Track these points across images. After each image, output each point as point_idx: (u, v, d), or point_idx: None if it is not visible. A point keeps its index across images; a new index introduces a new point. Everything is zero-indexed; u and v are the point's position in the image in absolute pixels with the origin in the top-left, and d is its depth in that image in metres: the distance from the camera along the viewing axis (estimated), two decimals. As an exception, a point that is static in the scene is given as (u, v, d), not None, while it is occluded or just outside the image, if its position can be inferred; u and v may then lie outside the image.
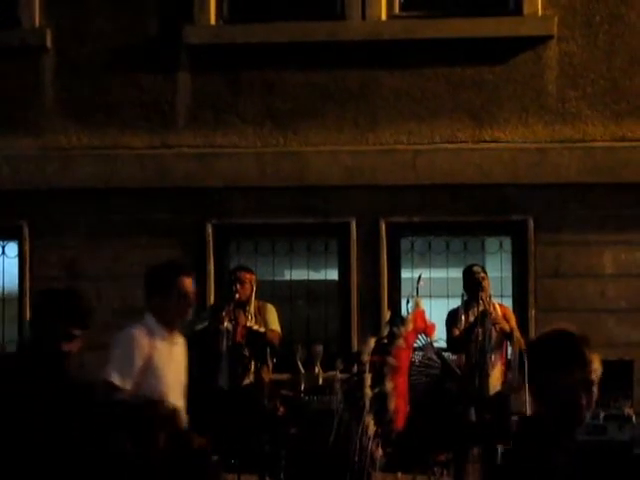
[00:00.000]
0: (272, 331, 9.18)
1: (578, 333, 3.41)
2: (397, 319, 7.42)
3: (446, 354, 8.92)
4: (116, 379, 5.63)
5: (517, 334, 9.18)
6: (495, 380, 9.11)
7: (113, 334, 10.34)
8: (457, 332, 9.25)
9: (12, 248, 10.72)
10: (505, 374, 9.17)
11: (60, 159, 10.45)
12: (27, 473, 3.16)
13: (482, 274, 9.23)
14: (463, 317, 9.30)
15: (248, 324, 9.07)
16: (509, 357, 9.26)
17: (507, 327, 9.13)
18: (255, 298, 9.22)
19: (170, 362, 5.88)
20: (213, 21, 10.53)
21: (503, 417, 8.96)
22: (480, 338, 9.01)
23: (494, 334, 9.07)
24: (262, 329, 9.09)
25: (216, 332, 9.03)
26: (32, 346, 4.18)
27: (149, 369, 5.72)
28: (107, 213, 10.42)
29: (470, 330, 9.10)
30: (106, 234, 10.42)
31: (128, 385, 5.62)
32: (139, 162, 10.40)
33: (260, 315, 9.21)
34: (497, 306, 9.32)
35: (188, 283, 5.96)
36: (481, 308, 9.03)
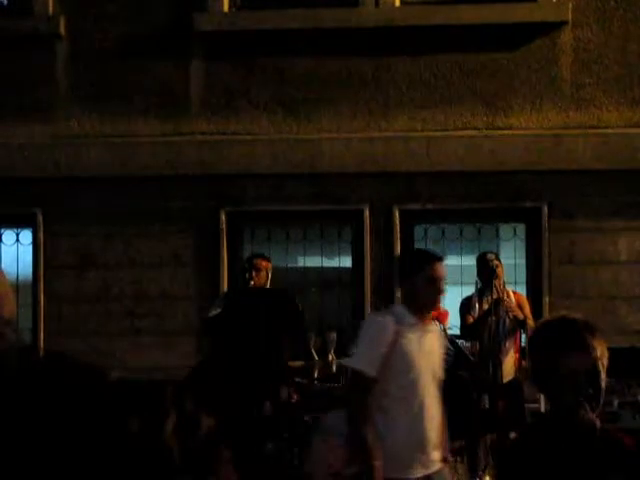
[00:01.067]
0: None
1: (582, 319, 3.30)
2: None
3: (459, 341, 8.93)
4: (362, 365, 5.53)
5: (531, 322, 9.16)
6: (508, 368, 9.09)
7: (126, 321, 10.43)
8: (471, 319, 9.24)
9: (26, 236, 10.75)
10: (519, 362, 9.16)
11: (73, 146, 10.46)
12: None
13: (496, 261, 9.21)
14: (477, 305, 9.29)
15: None
16: (523, 345, 9.24)
17: (521, 315, 9.11)
18: (270, 285, 9.24)
19: (420, 350, 5.65)
20: (226, 8, 10.52)
21: (516, 404, 8.95)
22: (493, 326, 9.01)
23: (508, 322, 9.06)
24: None
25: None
26: None
27: (396, 356, 5.54)
28: (120, 200, 10.43)
29: (484, 318, 9.09)
30: (119, 221, 10.44)
31: (373, 371, 5.51)
32: (152, 149, 10.41)
33: None
34: (511, 293, 9.30)
35: (438, 269, 5.73)
36: (495, 296, 9.01)
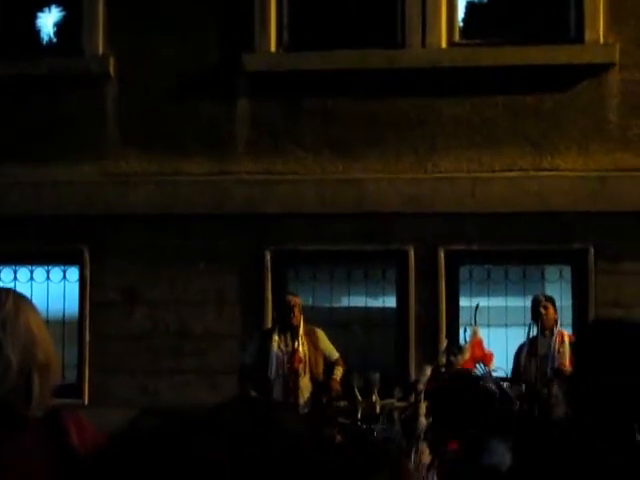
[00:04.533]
0: (338, 359, 9.26)
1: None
2: (454, 347, 7.38)
3: (504, 384, 8.86)
4: None
5: None
6: (560, 412, 8.96)
7: (171, 359, 10.44)
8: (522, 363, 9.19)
9: (73, 273, 10.83)
10: None
11: (120, 185, 10.56)
12: None
13: (544, 302, 9.15)
14: (526, 349, 9.22)
15: (338, 376, 9.12)
16: None
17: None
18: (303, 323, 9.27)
19: None
20: (273, 48, 10.60)
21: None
22: (537, 369, 8.94)
23: (557, 365, 8.96)
24: (340, 370, 9.16)
25: (266, 358, 9.04)
26: None
27: None
28: (166, 239, 10.50)
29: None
30: (165, 260, 10.49)
31: None
32: (198, 188, 10.48)
33: (310, 340, 9.21)
34: (566, 336, 9.19)
35: None
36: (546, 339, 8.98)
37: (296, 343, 9.11)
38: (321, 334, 9.30)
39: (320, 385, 9.17)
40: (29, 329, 2.62)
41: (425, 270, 10.34)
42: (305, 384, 9.14)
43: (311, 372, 9.15)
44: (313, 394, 9.13)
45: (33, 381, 2.60)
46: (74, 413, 2.75)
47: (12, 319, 2.61)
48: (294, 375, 9.04)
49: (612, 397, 2.93)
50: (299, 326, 9.19)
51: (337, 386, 9.19)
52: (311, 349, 9.15)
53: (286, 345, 9.12)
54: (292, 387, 9.04)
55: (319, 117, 10.51)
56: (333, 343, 9.41)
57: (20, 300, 2.68)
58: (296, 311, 9.17)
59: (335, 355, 9.31)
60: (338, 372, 9.24)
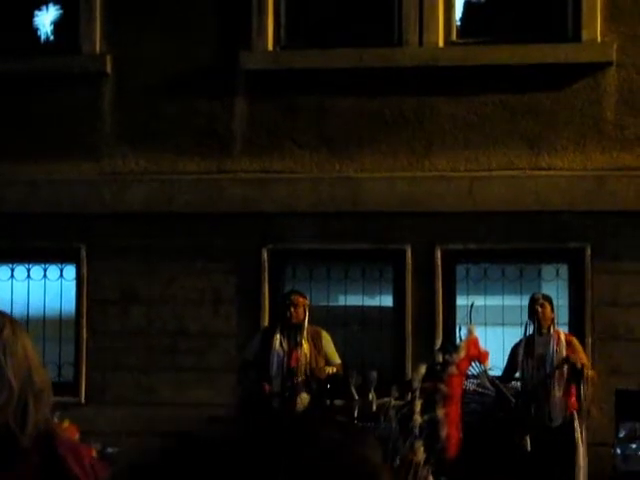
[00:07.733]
0: (337, 365, 9.29)
1: None
2: (449, 346, 7.39)
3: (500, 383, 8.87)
4: None
5: (590, 372, 8.98)
6: (558, 411, 8.95)
7: (168, 357, 10.45)
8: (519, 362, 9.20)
9: (70, 271, 10.83)
10: (573, 405, 8.95)
11: (118, 183, 10.56)
12: None
13: (541, 301, 9.16)
14: (522, 349, 9.21)
15: (328, 371, 9.13)
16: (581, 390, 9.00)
17: (579, 365, 8.91)
18: (308, 323, 9.27)
19: None
20: (270, 47, 10.60)
21: (565, 447, 8.81)
22: (534, 367, 8.96)
23: (554, 363, 8.96)
24: (334, 369, 9.18)
25: (267, 355, 9.07)
26: None
27: None
28: (163, 237, 10.49)
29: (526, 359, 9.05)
30: (162, 258, 10.49)
31: None
32: (195, 187, 10.48)
33: (313, 341, 9.23)
34: (562, 334, 9.19)
35: None
36: (543, 338, 9.00)
37: (297, 342, 9.12)
38: (326, 337, 9.32)
39: (311, 373, 9.17)
40: (27, 354, 2.56)
41: (422, 269, 10.34)
42: (304, 383, 9.15)
43: (311, 372, 9.15)
44: (309, 392, 9.15)
45: (29, 407, 2.53)
46: (69, 441, 2.66)
47: (11, 344, 2.54)
48: (292, 373, 9.06)
49: None
50: (301, 325, 9.19)
51: (321, 371, 9.18)
52: (313, 350, 9.16)
53: (288, 343, 9.14)
54: (290, 385, 9.05)
55: (316, 115, 10.51)
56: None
57: (16, 325, 2.60)
58: (295, 310, 9.18)
59: (337, 361, 9.33)
60: (329, 368, 9.23)
